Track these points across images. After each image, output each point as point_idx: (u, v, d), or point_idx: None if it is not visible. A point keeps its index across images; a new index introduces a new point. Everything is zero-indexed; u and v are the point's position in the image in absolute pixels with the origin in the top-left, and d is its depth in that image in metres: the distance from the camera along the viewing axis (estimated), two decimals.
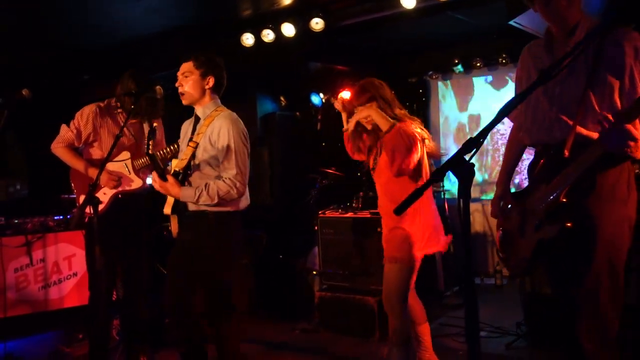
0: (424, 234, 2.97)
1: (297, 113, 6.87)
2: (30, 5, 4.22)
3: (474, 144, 1.43)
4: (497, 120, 1.47)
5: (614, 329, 2.18)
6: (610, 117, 2.10)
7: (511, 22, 4.37)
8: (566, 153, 2.13)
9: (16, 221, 4.68)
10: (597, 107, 2.15)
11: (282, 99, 6.86)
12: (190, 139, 2.96)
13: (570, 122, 2.19)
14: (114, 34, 5.06)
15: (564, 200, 2.14)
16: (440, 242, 3.06)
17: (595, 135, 2.15)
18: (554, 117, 2.27)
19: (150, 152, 2.80)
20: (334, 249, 4.57)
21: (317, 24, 4.66)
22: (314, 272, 4.77)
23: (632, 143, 2.00)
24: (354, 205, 4.70)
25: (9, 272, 4.50)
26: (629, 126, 1.98)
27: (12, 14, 4.37)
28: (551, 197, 2.18)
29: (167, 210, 2.96)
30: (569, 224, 2.14)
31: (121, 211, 3.48)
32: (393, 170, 2.89)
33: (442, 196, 5.67)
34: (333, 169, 4.95)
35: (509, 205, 2.46)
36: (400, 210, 1.56)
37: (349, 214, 4.54)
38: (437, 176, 1.50)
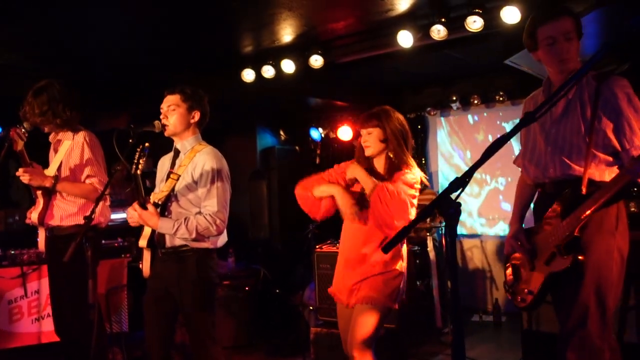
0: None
1: (297, 147, 6.93)
2: (31, 39, 4.31)
3: (459, 184, 1.45)
4: (482, 160, 1.49)
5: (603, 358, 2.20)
6: (600, 154, 2.19)
7: (507, 62, 4.46)
8: (584, 190, 2.23)
9: (12, 252, 4.68)
10: (592, 147, 2.23)
11: (281, 133, 6.94)
12: (171, 172, 2.90)
13: (567, 161, 2.29)
14: (115, 68, 5.15)
15: (577, 234, 2.23)
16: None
17: (593, 173, 2.24)
18: (549, 155, 2.36)
19: (136, 172, 2.67)
20: (330, 284, 4.53)
21: (316, 61, 4.75)
22: (310, 308, 4.73)
23: None
24: None
25: (3, 304, 4.47)
26: None
27: (14, 49, 4.46)
28: (565, 232, 2.25)
29: (143, 243, 2.84)
30: (580, 257, 2.22)
31: (58, 245, 3.25)
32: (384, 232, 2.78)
33: (440, 232, 5.66)
34: None
35: (522, 242, 2.52)
36: (388, 247, 1.57)
37: None
38: (423, 216, 1.51)
